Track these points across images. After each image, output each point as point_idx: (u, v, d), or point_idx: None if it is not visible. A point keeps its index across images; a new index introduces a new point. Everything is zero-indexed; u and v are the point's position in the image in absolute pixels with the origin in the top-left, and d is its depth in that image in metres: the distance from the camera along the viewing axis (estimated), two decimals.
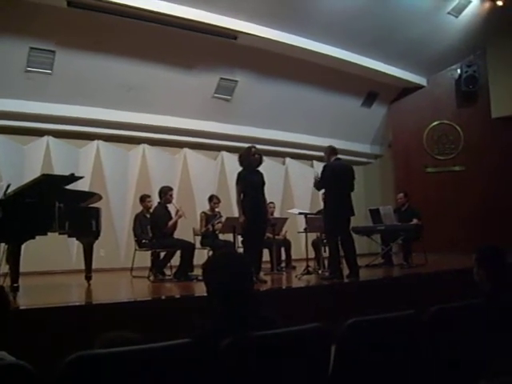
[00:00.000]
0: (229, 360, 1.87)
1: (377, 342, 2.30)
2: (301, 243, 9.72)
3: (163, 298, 5.87)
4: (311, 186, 9.35)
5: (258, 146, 7.38)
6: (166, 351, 1.80)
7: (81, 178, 6.94)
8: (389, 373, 2.34)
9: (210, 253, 7.96)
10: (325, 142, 11.26)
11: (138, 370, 1.71)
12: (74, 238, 7.24)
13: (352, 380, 2.23)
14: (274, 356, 2.00)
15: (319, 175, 7.27)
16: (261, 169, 7.00)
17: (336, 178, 6.99)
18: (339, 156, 7.36)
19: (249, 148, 7.03)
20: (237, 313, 2.18)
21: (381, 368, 2.30)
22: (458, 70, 13.34)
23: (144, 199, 8.48)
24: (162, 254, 8.00)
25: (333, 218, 7.01)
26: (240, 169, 6.96)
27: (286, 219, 9.44)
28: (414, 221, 9.11)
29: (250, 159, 6.87)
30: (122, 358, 1.71)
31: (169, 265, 8.08)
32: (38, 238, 5.61)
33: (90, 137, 10.38)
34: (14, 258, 5.40)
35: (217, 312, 2.21)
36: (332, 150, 7.31)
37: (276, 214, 10.22)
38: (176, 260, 7.83)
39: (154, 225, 7.83)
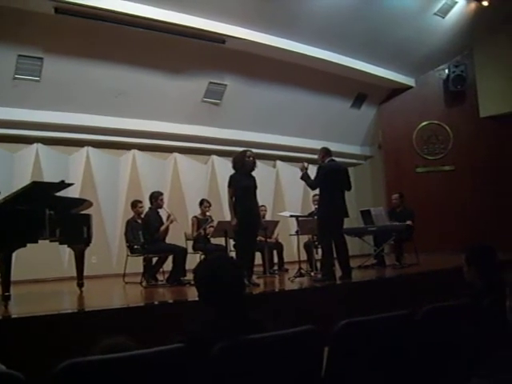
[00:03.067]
0: (221, 364, 1.87)
1: (370, 342, 2.31)
2: (293, 246, 9.73)
3: (156, 303, 5.85)
4: (302, 188, 9.41)
5: None
6: (157, 357, 1.80)
7: (71, 184, 6.92)
8: (382, 373, 2.34)
9: (203, 257, 7.96)
10: (315, 144, 11.31)
11: (130, 376, 1.71)
12: (66, 246, 7.20)
13: (345, 382, 2.23)
14: (267, 359, 2.00)
15: (306, 165, 7.31)
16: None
17: (330, 178, 7.00)
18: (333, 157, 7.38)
19: (244, 151, 7.05)
20: (228, 317, 2.18)
21: (374, 369, 2.30)
22: (446, 70, 13.41)
23: (135, 205, 8.46)
24: (155, 260, 7.99)
25: (327, 220, 7.02)
26: (232, 172, 6.95)
27: (277, 222, 9.45)
28: (408, 222, 9.13)
29: (245, 162, 6.87)
30: (114, 364, 1.71)
31: (161, 270, 8.07)
32: (29, 245, 5.58)
33: (80, 143, 10.34)
34: (5, 266, 5.36)
35: (208, 316, 2.21)
36: (326, 151, 7.33)
37: (267, 217, 10.21)
38: (168, 265, 7.83)
39: (145, 230, 7.81)
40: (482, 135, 13.01)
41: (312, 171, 7.40)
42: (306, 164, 7.41)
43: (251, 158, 6.93)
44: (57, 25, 8.56)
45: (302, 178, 7.35)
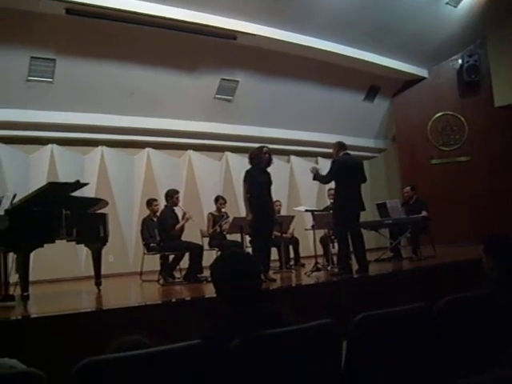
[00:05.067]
0: (239, 359, 1.87)
1: (388, 335, 2.29)
2: (309, 240, 9.73)
3: (173, 300, 5.86)
4: (317, 183, 9.43)
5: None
6: (176, 353, 1.80)
7: (86, 184, 6.95)
8: (401, 366, 2.33)
9: (219, 253, 7.96)
10: (328, 138, 11.28)
11: (149, 372, 1.71)
12: (83, 245, 7.25)
13: (365, 375, 2.22)
14: (286, 353, 2.00)
15: (317, 168, 7.33)
16: None
17: (345, 172, 6.99)
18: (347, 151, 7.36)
19: (261, 147, 7.08)
20: (246, 312, 2.17)
21: (393, 362, 2.29)
22: (459, 60, 13.31)
23: (151, 203, 8.49)
24: (171, 257, 8.02)
25: (343, 213, 7.00)
26: (248, 167, 6.97)
27: (292, 217, 9.42)
28: (423, 213, 9.08)
29: (261, 158, 6.90)
30: (132, 361, 1.71)
31: (178, 267, 8.09)
32: (46, 246, 5.62)
33: (94, 143, 10.40)
34: (23, 266, 5.41)
35: (226, 312, 2.21)
36: (341, 145, 7.31)
37: (282, 212, 10.21)
38: (185, 262, 7.85)
39: (161, 228, 7.83)
40: (497, 125, 12.88)
41: (327, 165, 7.40)
42: (316, 167, 7.45)
43: (267, 155, 6.95)
44: (68, 26, 8.60)
45: (314, 179, 7.40)
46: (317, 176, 7.31)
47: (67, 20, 8.47)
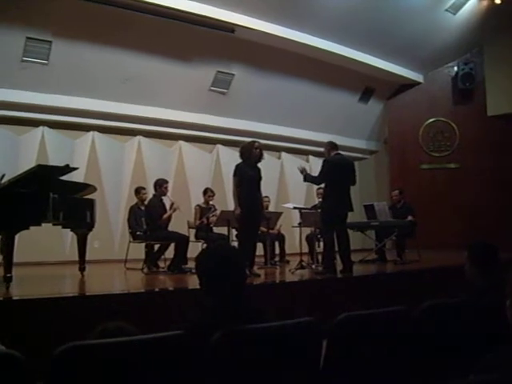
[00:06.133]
0: (220, 352, 1.88)
1: (367, 337, 2.31)
2: (295, 237, 9.73)
3: (157, 290, 5.87)
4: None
5: None
6: (157, 342, 1.81)
7: (76, 169, 6.93)
8: (379, 367, 2.35)
9: (204, 246, 7.96)
10: (321, 136, 11.31)
11: (129, 360, 1.72)
12: (69, 229, 7.23)
13: (343, 374, 2.24)
14: (266, 349, 2.01)
15: (305, 167, 7.34)
16: None
17: (336, 172, 6.99)
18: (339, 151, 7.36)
19: (252, 141, 7.05)
20: (228, 305, 2.18)
21: (371, 363, 2.31)
22: (455, 68, 13.37)
23: (139, 191, 8.47)
24: (156, 247, 8.01)
25: (331, 213, 7.01)
26: (238, 161, 6.96)
27: (280, 213, 9.45)
28: (409, 217, 9.13)
29: (252, 152, 6.88)
30: (114, 348, 1.72)
31: (163, 257, 8.10)
32: (32, 228, 5.59)
33: (86, 128, 10.34)
34: (7, 248, 5.38)
35: (209, 304, 2.21)
36: (333, 145, 7.31)
37: (271, 208, 10.21)
38: (170, 253, 7.84)
39: (148, 217, 7.83)
40: (488, 134, 12.96)
41: (318, 164, 7.41)
42: (302, 166, 7.43)
43: (258, 150, 6.94)
44: (66, 8, 8.55)
45: (305, 180, 7.38)
46: (307, 177, 7.30)
47: (65, 2, 8.42)
